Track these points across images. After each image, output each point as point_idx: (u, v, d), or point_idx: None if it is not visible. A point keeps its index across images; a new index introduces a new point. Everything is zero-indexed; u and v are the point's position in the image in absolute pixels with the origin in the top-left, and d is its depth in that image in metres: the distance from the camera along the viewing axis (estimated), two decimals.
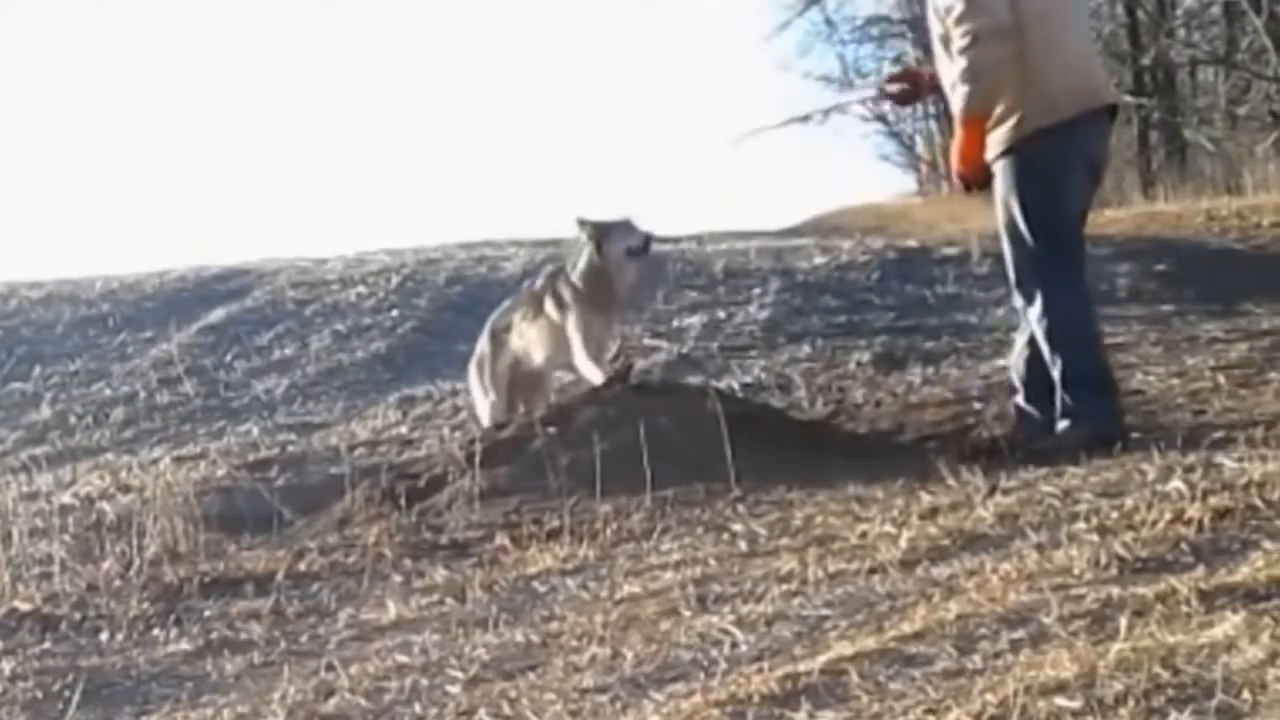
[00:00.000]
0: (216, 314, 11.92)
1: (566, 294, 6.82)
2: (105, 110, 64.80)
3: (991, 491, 4.95)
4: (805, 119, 6.97)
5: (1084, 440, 5.52)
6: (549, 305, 6.89)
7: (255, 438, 8.46)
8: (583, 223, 6.92)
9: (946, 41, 5.84)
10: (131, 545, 5.74)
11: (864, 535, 4.69)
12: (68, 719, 3.97)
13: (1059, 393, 5.79)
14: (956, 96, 5.78)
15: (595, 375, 6.66)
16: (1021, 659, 3.21)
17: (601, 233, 6.83)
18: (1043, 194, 5.80)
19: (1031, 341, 6.00)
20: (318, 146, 64.78)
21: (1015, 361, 6.17)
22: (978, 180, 5.91)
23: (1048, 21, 5.80)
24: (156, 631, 4.76)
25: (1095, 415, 5.72)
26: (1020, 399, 6.12)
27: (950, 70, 5.86)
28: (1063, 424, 5.78)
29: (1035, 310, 5.80)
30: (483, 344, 7.22)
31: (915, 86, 6.72)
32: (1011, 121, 5.76)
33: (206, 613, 4.92)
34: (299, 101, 63.12)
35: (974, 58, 5.65)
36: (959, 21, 5.66)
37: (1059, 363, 5.77)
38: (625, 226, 6.86)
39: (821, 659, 3.41)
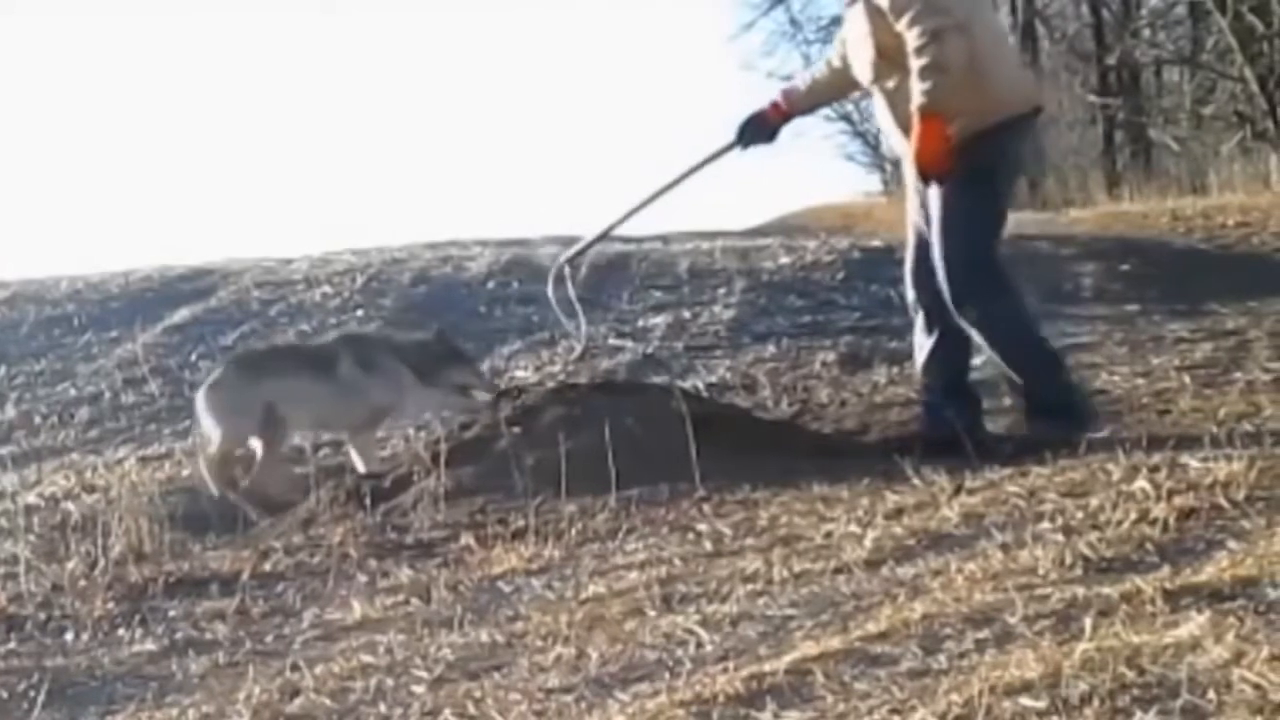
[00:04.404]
0: (181, 314, 11.85)
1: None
2: (72, 110, 64.63)
3: (956, 491, 4.96)
4: (627, 217, 6.91)
5: (1067, 427, 5.60)
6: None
7: None
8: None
9: (882, 49, 5.86)
10: (96, 545, 5.71)
11: (829, 535, 4.69)
12: (32, 719, 3.95)
13: (1019, 387, 5.89)
14: (915, 93, 5.75)
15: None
16: (986, 659, 3.22)
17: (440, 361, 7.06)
18: (987, 195, 5.90)
19: (938, 340, 6.08)
20: (284, 147, 64.85)
21: (918, 366, 6.31)
22: (941, 173, 5.84)
23: (987, 26, 5.97)
24: (121, 631, 4.73)
25: (1067, 399, 5.89)
26: (929, 398, 6.22)
27: (886, 73, 5.91)
28: (1031, 414, 5.87)
29: (978, 312, 5.84)
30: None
31: (768, 121, 6.65)
32: (956, 125, 5.77)
33: (171, 613, 4.90)
34: (264, 103, 63.17)
35: (936, 53, 5.66)
36: (915, 21, 5.67)
37: (1015, 359, 5.88)
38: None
39: (786, 659, 3.41)
